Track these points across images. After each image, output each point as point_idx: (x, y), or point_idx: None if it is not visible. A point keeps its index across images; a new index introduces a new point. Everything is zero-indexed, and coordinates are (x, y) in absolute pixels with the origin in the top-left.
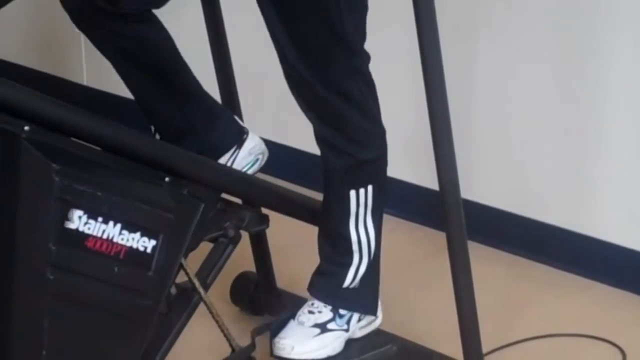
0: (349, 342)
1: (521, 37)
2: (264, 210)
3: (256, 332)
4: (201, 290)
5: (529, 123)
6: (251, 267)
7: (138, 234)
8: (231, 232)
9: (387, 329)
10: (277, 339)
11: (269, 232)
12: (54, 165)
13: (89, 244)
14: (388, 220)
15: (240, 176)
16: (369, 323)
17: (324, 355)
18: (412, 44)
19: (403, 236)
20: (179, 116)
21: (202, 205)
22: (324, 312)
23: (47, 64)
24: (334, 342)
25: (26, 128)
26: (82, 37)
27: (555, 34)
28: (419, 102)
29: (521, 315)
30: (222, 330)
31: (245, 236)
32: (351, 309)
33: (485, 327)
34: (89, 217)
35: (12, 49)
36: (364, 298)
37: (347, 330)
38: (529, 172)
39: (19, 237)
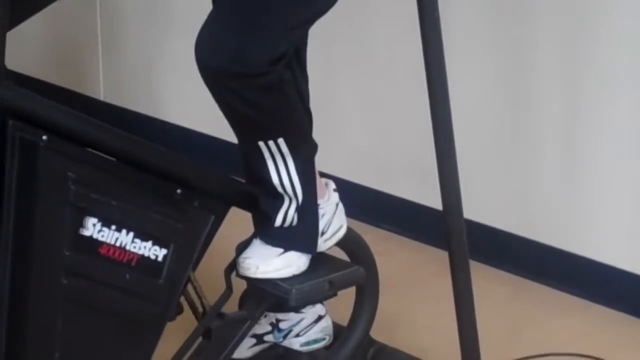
0: (315, 261)
1: (530, 60)
2: None
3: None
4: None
5: (530, 144)
6: None
7: (150, 243)
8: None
9: (391, 343)
10: (241, 259)
11: None
12: (70, 173)
13: (102, 251)
14: (394, 238)
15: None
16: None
17: (289, 274)
18: (419, 63)
19: (409, 255)
20: None
21: (212, 217)
22: None
23: (65, 78)
24: (298, 260)
25: (44, 137)
26: (100, 53)
27: (565, 62)
28: (425, 122)
29: (520, 334)
30: (197, 292)
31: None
32: (286, 247)
33: (486, 344)
34: (102, 225)
35: (30, 63)
36: (299, 236)
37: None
38: (530, 193)
39: (35, 242)
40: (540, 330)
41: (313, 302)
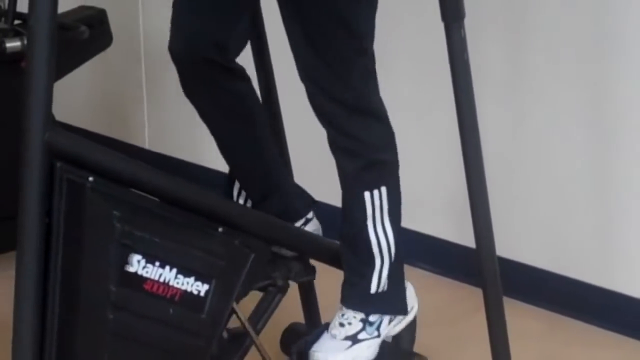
0: (384, 346)
1: (561, 96)
2: (312, 262)
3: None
4: (253, 333)
5: (564, 180)
6: (300, 317)
7: (192, 279)
8: (280, 282)
9: None
10: (311, 352)
11: (317, 283)
12: (115, 212)
13: (147, 286)
14: (430, 277)
15: (289, 229)
16: (402, 318)
17: None
18: (451, 103)
19: (445, 293)
20: (264, 173)
21: (253, 255)
22: (354, 324)
23: (111, 128)
24: (367, 350)
25: (90, 179)
26: (145, 102)
27: (592, 94)
28: (458, 161)
29: None
30: (260, 351)
31: (295, 287)
32: (382, 312)
33: None
34: (147, 262)
35: (76, 113)
36: (392, 300)
37: (378, 336)
38: (563, 230)
39: (82, 278)
40: None
41: None
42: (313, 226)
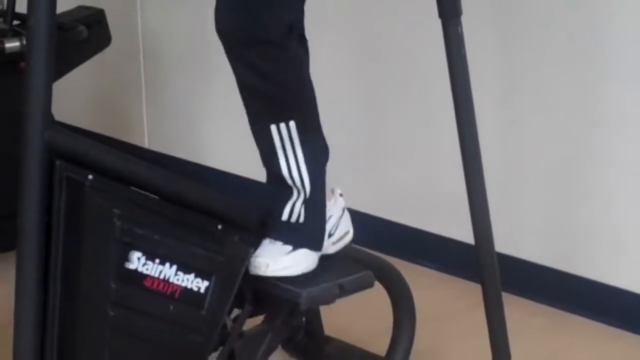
0: (324, 263)
1: (558, 92)
2: None
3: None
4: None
5: (564, 178)
6: None
7: (192, 275)
8: None
9: None
10: (252, 258)
11: None
12: (115, 210)
13: (147, 283)
14: (430, 273)
15: None
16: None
17: (298, 272)
18: (449, 101)
19: (444, 289)
20: None
21: (252, 250)
22: None
23: (111, 127)
24: (307, 258)
25: (90, 177)
26: (144, 101)
27: (589, 89)
28: (457, 159)
29: None
30: None
31: None
32: (295, 243)
33: None
34: (147, 259)
35: (76, 113)
36: (305, 233)
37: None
38: (563, 225)
39: (83, 275)
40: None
41: (323, 304)
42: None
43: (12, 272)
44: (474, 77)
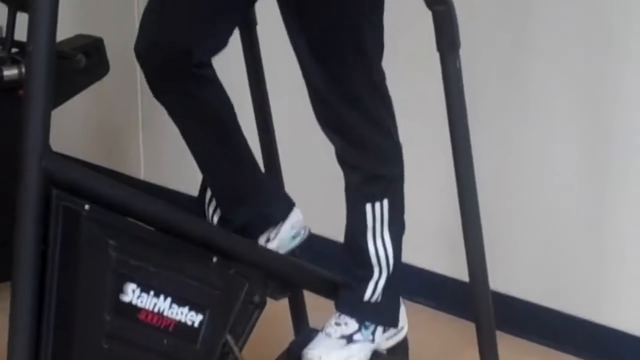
0: (375, 355)
1: (553, 128)
2: None
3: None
4: (236, 350)
5: (556, 217)
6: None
7: (186, 308)
8: (256, 299)
9: None
10: (305, 350)
11: (307, 298)
12: (110, 241)
13: (141, 316)
14: (424, 311)
15: (281, 259)
16: (395, 334)
17: None
18: (444, 135)
19: (439, 327)
20: (233, 179)
21: (247, 284)
22: (350, 324)
23: (107, 159)
24: (360, 352)
25: (86, 207)
26: (140, 132)
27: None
28: (453, 195)
29: None
30: None
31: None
32: (373, 321)
33: None
34: (142, 291)
35: (71, 143)
36: (385, 311)
37: (372, 341)
38: (556, 265)
39: (78, 306)
40: None
41: None
42: (292, 226)
43: (6, 304)
44: (471, 105)
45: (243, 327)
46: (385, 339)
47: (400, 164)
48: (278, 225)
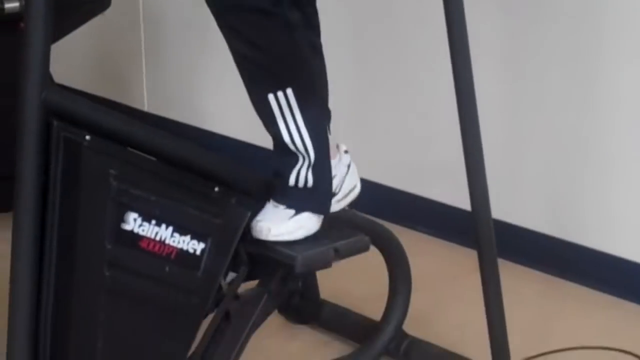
0: (324, 226)
1: (558, 57)
2: None
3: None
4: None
5: (560, 144)
6: None
7: (188, 237)
8: None
9: (424, 338)
10: (254, 222)
11: None
12: (111, 171)
13: (143, 244)
14: (427, 239)
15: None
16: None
17: (301, 236)
18: (447, 66)
19: (440, 254)
20: None
21: (249, 214)
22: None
23: (110, 90)
24: (309, 221)
25: (87, 137)
26: (144, 65)
27: (582, 62)
28: (455, 126)
29: (549, 329)
30: None
31: None
32: (301, 207)
33: (516, 339)
34: (143, 220)
35: (74, 76)
36: (313, 197)
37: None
38: (558, 193)
39: (79, 235)
40: (569, 326)
41: (318, 269)
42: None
43: (8, 234)
44: (474, 40)
45: None
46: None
47: (297, 49)
48: (343, 178)
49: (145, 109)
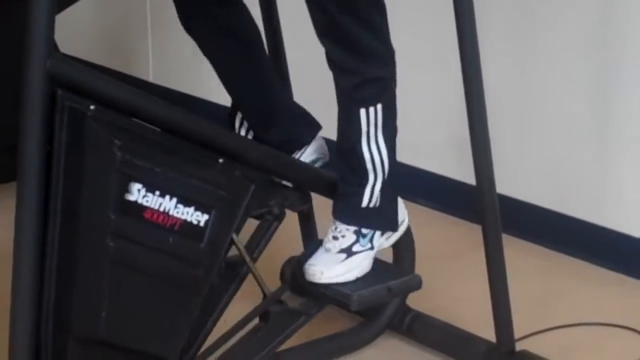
0: (375, 265)
1: (563, 33)
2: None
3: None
4: (249, 261)
5: (563, 120)
6: (300, 248)
7: (192, 209)
8: (276, 210)
9: (427, 312)
10: (306, 266)
11: (317, 214)
12: (116, 141)
13: (147, 215)
14: (431, 213)
15: (287, 160)
16: (395, 232)
17: (353, 277)
18: (453, 40)
19: (445, 229)
20: (263, 100)
21: (253, 186)
22: (347, 236)
23: (115, 61)
24: (362, 262)
25: (91, 107)
26: (150, 35)
27: (594, 32)
28: (461, 99)
29: (553, 305)
30: (256, 279)
31: (295, 220)
32: (372, 227)
33: (519, 315)
34: (147, 191)
35: (80, 46)
36: (383, 215)
37: (372, 249)
38: (562, 168)
39: (83, 206)
40: (572, 301)
41: (372, 307)
42: (315, 150)
43: (12, 203)
44: (480, 17)
45: (260, 237)
46: (385, 239)
47: (393, 69)
48: (303, 149)
49: (151, 79)
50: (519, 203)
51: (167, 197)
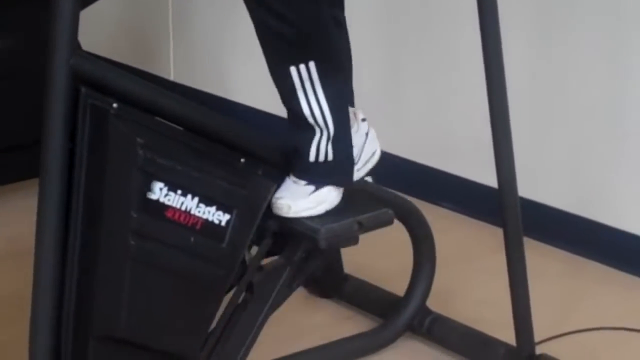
0: (346, 199)
1: (581, 40)
2: None
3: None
4: None
5: (588, 124)
6: None
7: (214, 208)
8: None
9: (447, 314)
10: (274, 199)
11: None
12: (138, 139)
13: (169, 214)
14: (452, 216)
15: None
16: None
17: (322, 211)
18: (476, 43)
19: (466, 231)
20: None
21: (274, 186)
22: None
23: (137, 59)
24: (329, 195)
25: (114, 105)
26: (171, 33)
27: (612, 40)
28: (483, 102)
29: (574, 309)
30: None
31: None
32: (323, 182)
33: (540, 318)
34: (169, 190)
35: (102, 44)
36: (335, 170)
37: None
38: (584, 172)
39: (105, 203)
40: (593, 305)
41: (343, 244)
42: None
43: (33, 201)
44: (504, 17)
45: None
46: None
47: (321, 22)
48: (362, 147)
49: (172, 78)
50: (541, 206)
51: (189, 196)
